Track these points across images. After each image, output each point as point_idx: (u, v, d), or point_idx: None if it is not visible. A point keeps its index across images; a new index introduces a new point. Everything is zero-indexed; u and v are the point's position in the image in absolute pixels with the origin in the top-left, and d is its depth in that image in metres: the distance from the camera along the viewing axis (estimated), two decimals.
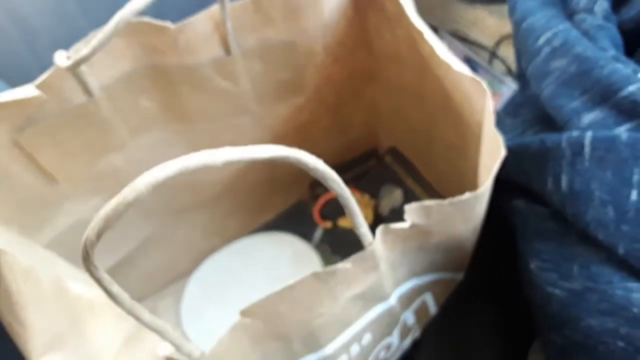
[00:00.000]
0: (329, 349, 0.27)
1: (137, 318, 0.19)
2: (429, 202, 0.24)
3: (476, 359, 0.38)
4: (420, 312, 0.32)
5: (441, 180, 0.44)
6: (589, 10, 0.28)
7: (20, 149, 0.32)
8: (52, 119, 0.32)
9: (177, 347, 0.21)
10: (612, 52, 0.26)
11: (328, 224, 0.48)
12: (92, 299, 0.29)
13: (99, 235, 0.16)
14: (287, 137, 0.45)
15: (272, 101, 0.41)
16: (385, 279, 0.26)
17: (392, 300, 0.28)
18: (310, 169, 0.18)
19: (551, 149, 0.26)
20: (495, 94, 0.51)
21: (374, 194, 0.47)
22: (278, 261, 0.47)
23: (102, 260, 0.42)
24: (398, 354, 0.35)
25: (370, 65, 0.42)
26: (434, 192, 0.44)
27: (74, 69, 0.30)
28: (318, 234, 0.48)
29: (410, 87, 0.40)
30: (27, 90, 0.30)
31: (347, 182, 0.43)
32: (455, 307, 0.36)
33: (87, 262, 0.16)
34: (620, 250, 0.24)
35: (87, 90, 0.33)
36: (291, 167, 0.48)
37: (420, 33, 0.29)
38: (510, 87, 0.52)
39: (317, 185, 0.50)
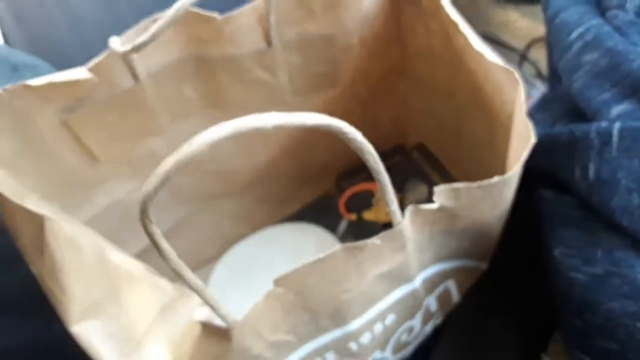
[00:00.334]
0: (354, 325, 0.28)
1: (180, 274, 0.20)
2: (458, 184, 0.24)
3: (494, 353, 0.39)
4: (443, 298, 0.33)
5: (467, 177, 0.44)
6: (621, 7, 0.28)
7: (68, 129, 0.33)
8: (100, 101, 0.33)
9: (214, 309, 0.22)
10: None
11: (353, 216, 0.48)
12: (131, 269, 0.30)
13: (157, 190, 0.17)
14: None
15: (307, 93, 0.42)
16: (411, 260, 0.27)
17: (417, 282, 0.29)
18: (349, 140, 0.19)
19: (580, 139, 0.26)
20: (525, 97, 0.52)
21: (400, 189, 0.48)
22: (302, 251, 0.48)
23: (134, 242, 0.43)
24: (419, 339, 0.35)
25: (403, 62, 0.43)
26: None
27: (128, 55, 0.31)
28: (343, 225, 0.49)
29: (440, 83, 0.41)
30: (80, 73, 0.31)
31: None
32: (477, 299, 0.36)
33: (143, 214, 0.17)
34: None
35: (135, 75, 0.34)
36: (321, 158, 0.49)
37: (455, 24, 0.30)
38: (540, 90, 0.52)
39: (343, 179, 0.51)
